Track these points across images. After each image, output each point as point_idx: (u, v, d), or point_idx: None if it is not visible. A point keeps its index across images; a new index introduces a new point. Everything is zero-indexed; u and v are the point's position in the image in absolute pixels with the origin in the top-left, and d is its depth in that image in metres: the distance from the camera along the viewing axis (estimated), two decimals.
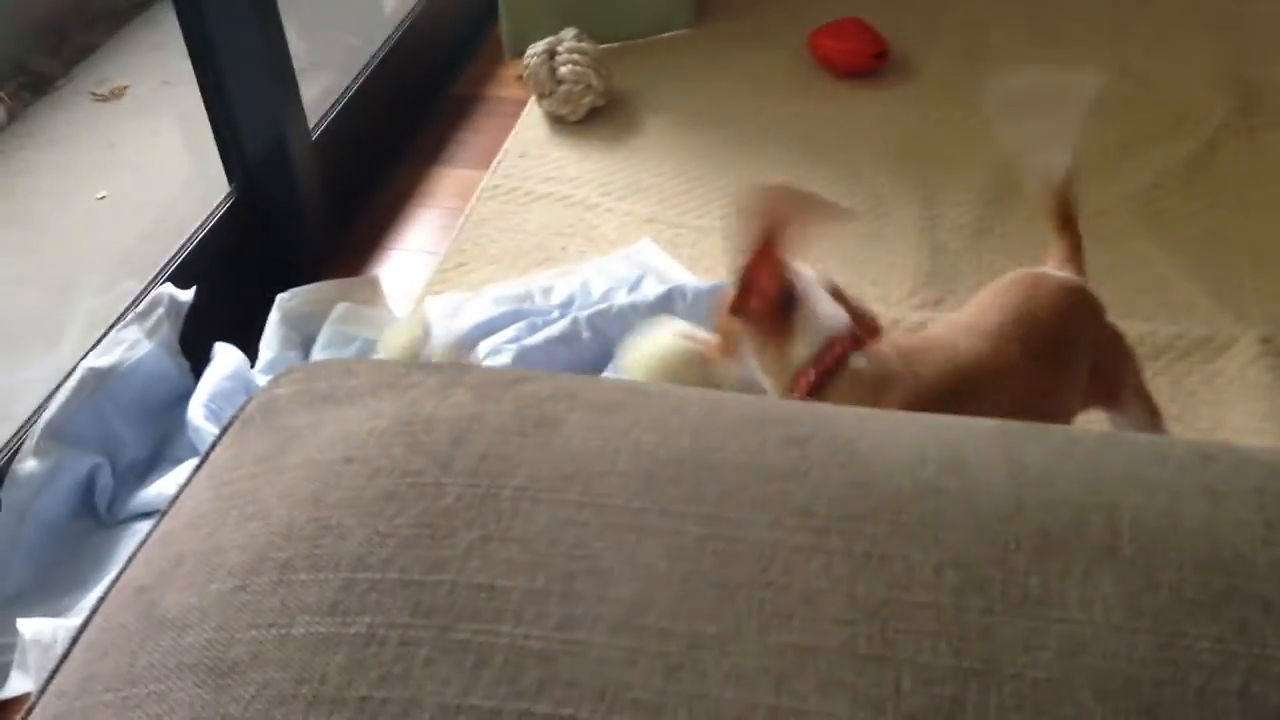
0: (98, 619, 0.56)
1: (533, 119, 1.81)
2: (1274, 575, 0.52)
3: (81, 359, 1.26)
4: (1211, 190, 1.58)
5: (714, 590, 0.54)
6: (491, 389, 0.65)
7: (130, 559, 0.60)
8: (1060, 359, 1.01)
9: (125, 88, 2.10)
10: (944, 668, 0.50)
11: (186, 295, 1.30)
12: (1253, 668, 0.49)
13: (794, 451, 0.60)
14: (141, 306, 1.29)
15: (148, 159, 1.97)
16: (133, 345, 1.25)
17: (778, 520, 0.57)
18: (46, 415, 1.18)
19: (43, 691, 0.54)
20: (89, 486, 1.19)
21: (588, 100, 1.77)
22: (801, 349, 0.94)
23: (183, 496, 0.62)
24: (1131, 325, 1.35)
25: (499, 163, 1.72)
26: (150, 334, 1.27)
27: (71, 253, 1.75)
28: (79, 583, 1.13)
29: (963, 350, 0.99)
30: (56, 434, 1.17)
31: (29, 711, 0.54)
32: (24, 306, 1.63)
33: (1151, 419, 1.10)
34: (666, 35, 1.99)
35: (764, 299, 0.94)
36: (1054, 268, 1.07)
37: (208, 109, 1.45)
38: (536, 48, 1.80)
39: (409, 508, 0.56)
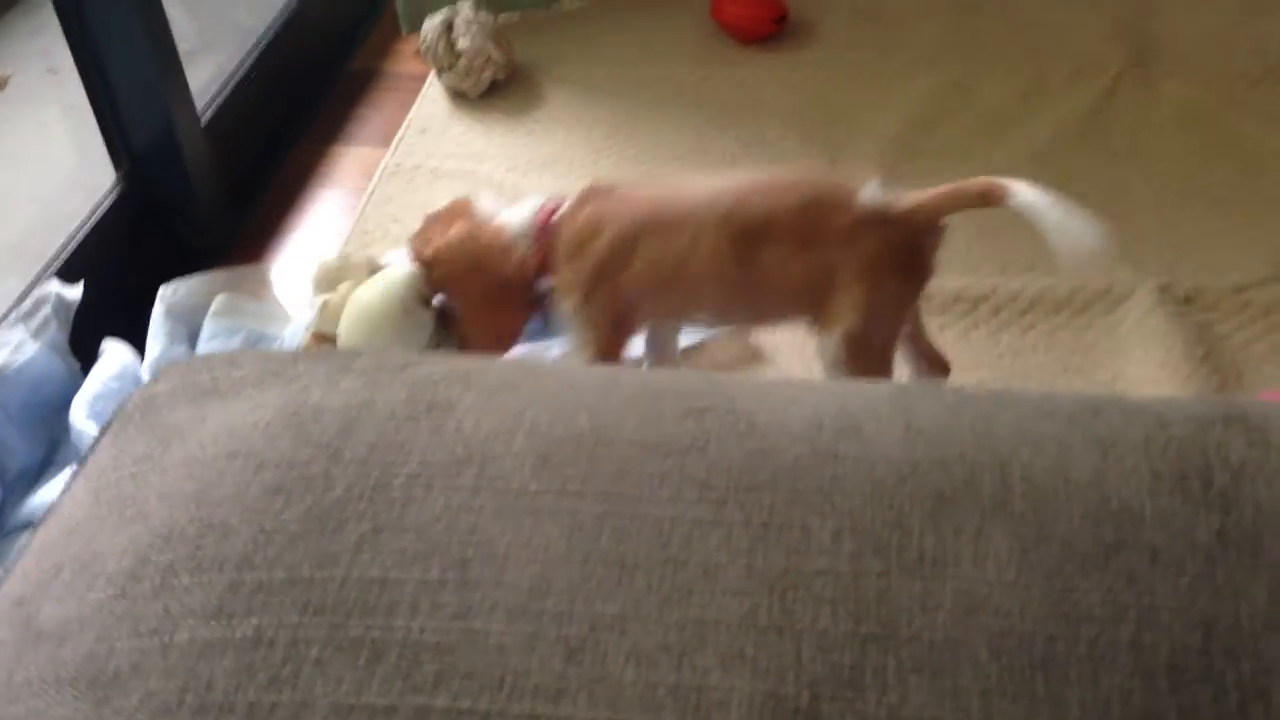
0: None
1: (433, 94, 1.78)
2: (1161, 524, 0.53)
3: None
4: (1110, 141, 1.60)
5: (613, 569, 0.53)
6: (382, 374, 0.63)
7: (6, 571, 0.57)
8: (756, 247, 1.04)
9: (8, 77, 2.02)
10: (843, 634, 0.50)
11: (75, 292, 1.26)
12: (1142, 617, 0.50)
13: (692, 424, 0.60)
14: (26, 305, 1.23)
15: (32, 150, 1.90)
16: (18, 347, 1.20)
17: (676, 494, 0.56)
18: None
19: None
20: None
21: (488, 74, 1.74)
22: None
23: (61, 502, 0.60)
24: (1032, 280, 1.37)
25: (400, 140, 1.69)
26: (37, 334, 1.22)
27: None
28: None
29: (673, 193, 1.10)
30: None
31: None
32: None
33: (851, 361, 1.04)
34: (566, 6, 1.96)
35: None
36: (877, 188, 1.05)
37: (90, 96, 1.39)
38: (433, 20, 1.77)
39: (296, 502, 0.55)
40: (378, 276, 1.16)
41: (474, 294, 1.14)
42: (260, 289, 1.38)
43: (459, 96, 1.76)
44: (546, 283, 1.13)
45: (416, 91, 1.80)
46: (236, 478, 0.56)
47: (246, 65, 1.65)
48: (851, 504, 0.55)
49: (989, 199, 1.01)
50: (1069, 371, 1.26)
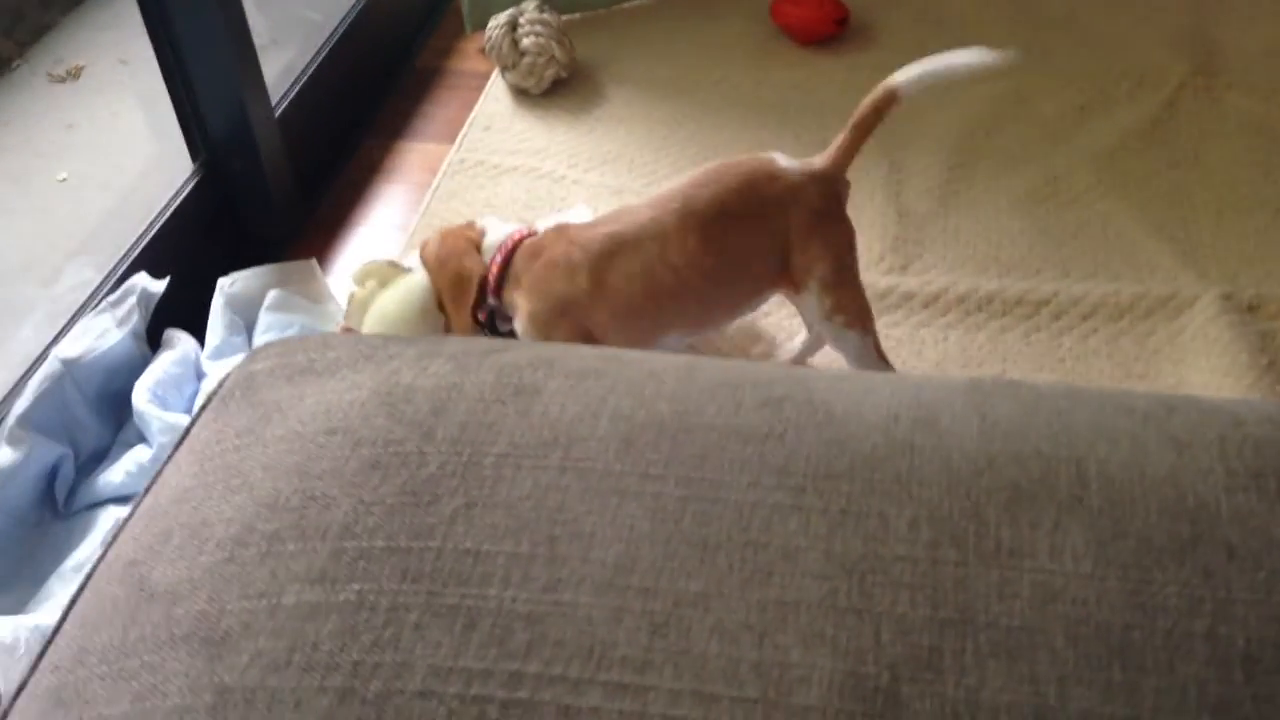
0: (87, 594, 0.56)
1: (496, 92, 1.81)
2: (1237, 521, 0.54)
3: (49, 345, 1.25)
4: (1172, 150, 1.60)
5: (696, 549, 0.55)
6: (469, 359, 0.66)
7: (115, 534, 0.60)
8: (721, 230, 1.09)
9: (82, 68, 2.07)
10: (921, 618, 0.52)
11: (159, 286, 1.30)
12: (1218, 610, 0.51)
13: (770, 413, 0.62)
14: (115, 295, 1.27)
15: (108, 139, 1.95)
16: (102, 334, 1.24)
17: (756, 480, 0.58)
18: (20, 404, 1.17)
19: (34, 668, 0.55)
20: (51, 477, 1.19)
21: (551, 72, 1.77)
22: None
23: (165, 472, 0.62)
24: (1095, 286, 1.38)
25: (464, 136, 1.72)
26: (120, 323, 1.26)
27: (33, 235, 1.73)
28: (36, 575, 1.13)
29: (624, 218, 1.13)
30: (27, 423, 1.17)
31: (20, 688, 0.54)
32: None
33: (841, 321, 1.12)
34: (628, 5, 1.98)
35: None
36: (787, 158, 1.14)
37: (169, 88, 1.43)
38: (498, 20, 1.79)
39: (393, 477, 0.57)
40: (401, 280, 1.20)
41: (443, 284, 1.18)
42: (312, 285, 1.41)
43: (522, 94, 1.79)
44: (495, 300, 1.17)
45: (480, 89, 1.83)
46: (335, 453, 0.58)
47: (317, 61, 1.69)
48: (928, 494, 0.57)
49: (885, 104, 1.13)
50: (1131, 378, 1.27)
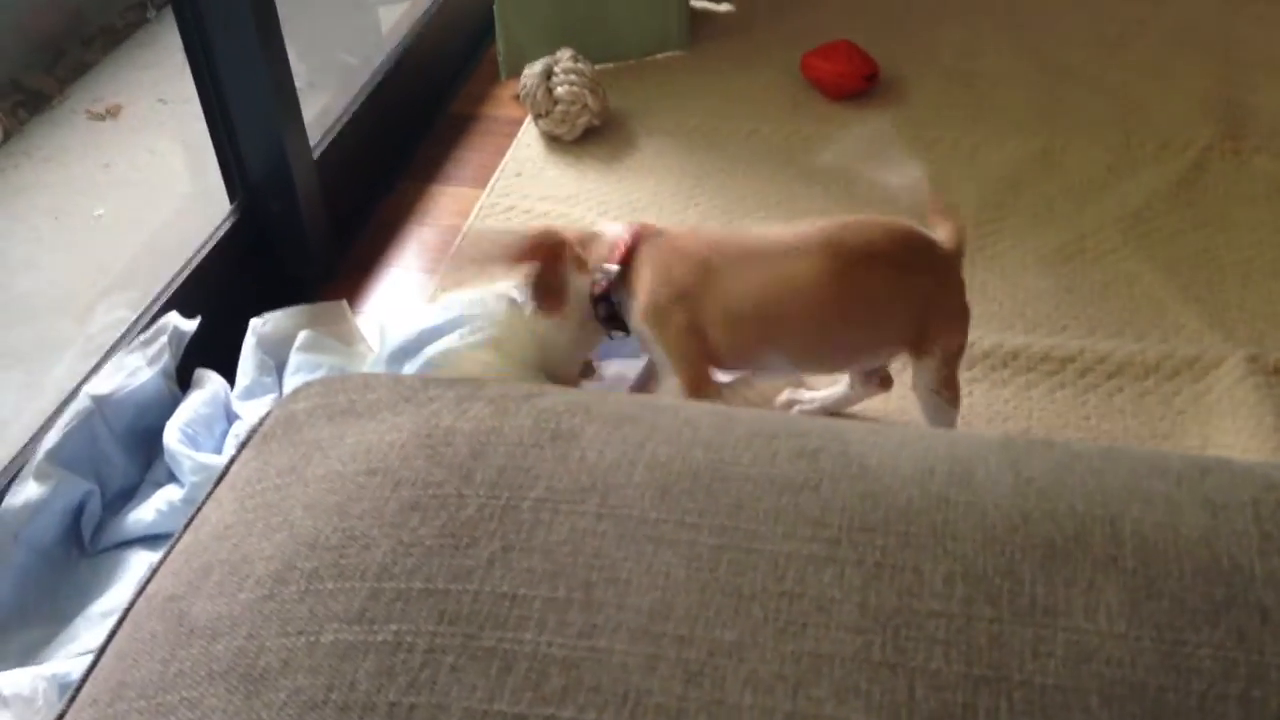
0: (126, 627, 0.57)
1: (529, 138, 1.83)
2: (1271, 584, 0.54)
3: (82, 382, 1.26)
4: (1199, 211, 1.60)
5: (731, 599, 0.55)
6: (508, 403, 0.66)
7: (154, 570, 0.61)
8: (866, 273, 1.10)
9: (121, 106, 2.11)
10: (955, 674, 0.52)
11: (190, 325, 1.31)
12: (1252, 674, 0.51)
13: (805, 464, 0.62)
14: (147, 334, 1.29)
15: (144, 177, 1.98)
16: (133, 372, 1.25)
17: (791, 531, 0.58)
18: (49, 439, 1.17)
19: (72, 701, 0.56)
20: (77, 513, 1.18)
21: (584, 120, 1.79)
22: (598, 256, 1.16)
23: (206, 508, 0.63)
24: (1121, 344, 1.38)
25: (495, 181, 1.74)
26: (151, 362, 1.27)
27: (69, 271, 1.76)
28: (58, 613, 1.12)
29: (758, 232, 1.17)
30: (55, 459, 1.17)
31: (60, 719, 0.55)
32: (21, 325, 1.63)
33: (947, 396, 1.17)
34: (661, 56, 2.01)
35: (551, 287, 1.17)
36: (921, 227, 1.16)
37: (210, 128, 1.46)
38: (533, 68, 1.82)
39: (432, 518, 0.58)
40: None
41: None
42: (342, 326, 1.42)
43: (554, 141, 1.81)
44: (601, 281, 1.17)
45: (513, 135, 1.85)
46: (375, 493, 0.59)
47: (355, 105, 1.72)
48: (963, 549, 0.57)
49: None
50: (1156, 437, 1.26)
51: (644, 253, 1.15)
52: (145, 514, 1.19)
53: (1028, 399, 1.32)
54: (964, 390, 1.33)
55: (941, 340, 1.13)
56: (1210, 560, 0.56)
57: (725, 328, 1.12)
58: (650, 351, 1.18)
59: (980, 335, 1.40)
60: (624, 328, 1.18)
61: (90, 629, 1.11)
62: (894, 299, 1.11)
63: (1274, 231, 1.56)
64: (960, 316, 1.14)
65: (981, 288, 1.48)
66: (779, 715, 0.51)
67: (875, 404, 1.32)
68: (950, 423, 1.18)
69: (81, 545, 1.19)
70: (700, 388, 1.14)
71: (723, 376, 1.21)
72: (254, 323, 1.38)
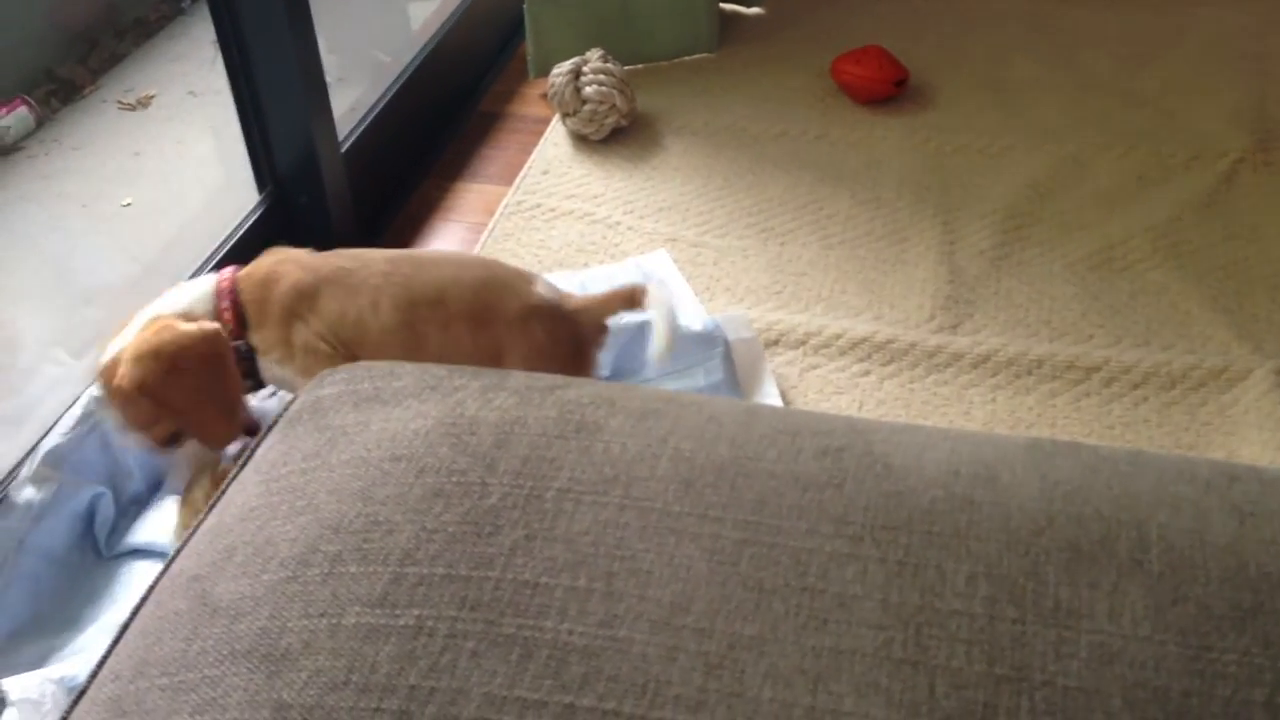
0: (149, 606, 0.57)
1: (556, 137, 1.84)
2: None
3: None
4: (1229, 223, 1.59)
5: (752, 593, 0.55)
6: (533, 394, 0.66)
7: (178, 550, 0.61)
8: (426, 315, 1.08)
9: (152, 97, 2.13)
10: (977, 673, 0.52)
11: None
12: (1277, 680, 0.51)
13: (829, 462, 0.62)
14: None
15: (173, 168, 2.00)
16: None
17: (814, 527, 0.58)
18: (49, 441, 1.16)
19: (94, 677, 0.56)
20: (89, 517, 1.16)
21: (611, 120, 1.79)
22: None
23: (231, 491, 0.63)
24: (1147, 354, 1.37)
25: (522, 179, 1.75)
26: None
27: (96, 259, 1.77)
28: (72, 619, 1.10)
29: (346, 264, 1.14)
30: (58, 461, 1.15)
31: (80, 695, 0.55)
32: (43, 315, 1.64)
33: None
34: (690, 58, 2.02)
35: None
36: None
37: (241, 121, 1.47)
38: (562, 67, 1.82)
39: (455, 505, 0.58)
40: None
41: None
42: None
43: (581, 140, 1.82)
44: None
45: (540, 134, 1.85)
46: (399, 479, 0.59)
47: (384, 100, 1.73)
48: (987, 550, 0.57)
49: (634, 302, 1.12)
50: (1181, 448, 1.25)
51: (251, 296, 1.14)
52: (160, 519, 1.17)
53: (1051, 407, 1.31)
54: (988, 397, 1.33)
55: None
56: (1237, 567, 0.55)
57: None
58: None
59: (1005, 342, 1.40)
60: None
61: (103, 639, 1.07)
62: (458, 349, 1.09)
63: None
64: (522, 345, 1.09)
65: (1008, 294, 1.47)
66: (798, 709, 0.50)
67: (897, 406, 1.32)
68: None
69: (97, 550, 1.16)
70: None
71: None
72: None
